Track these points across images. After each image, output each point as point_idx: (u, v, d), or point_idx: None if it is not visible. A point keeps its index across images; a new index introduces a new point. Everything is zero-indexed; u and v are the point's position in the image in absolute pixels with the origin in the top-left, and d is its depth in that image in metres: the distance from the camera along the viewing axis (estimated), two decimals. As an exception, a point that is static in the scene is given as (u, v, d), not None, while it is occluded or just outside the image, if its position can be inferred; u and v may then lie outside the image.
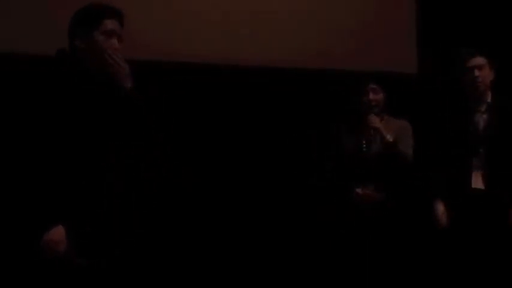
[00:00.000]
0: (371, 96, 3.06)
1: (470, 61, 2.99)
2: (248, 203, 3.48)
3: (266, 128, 3.58)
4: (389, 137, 2.99)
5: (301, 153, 3.58)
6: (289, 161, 3.59)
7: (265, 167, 3.55)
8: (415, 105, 3.67)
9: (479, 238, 2.87)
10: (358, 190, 2.99)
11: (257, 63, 3.54)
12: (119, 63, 2.07)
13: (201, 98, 3.44)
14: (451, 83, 3.22)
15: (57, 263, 1.93)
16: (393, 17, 3.89)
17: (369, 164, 3.00)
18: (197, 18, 3.46)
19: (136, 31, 3.15)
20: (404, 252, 2.99)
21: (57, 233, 1.93)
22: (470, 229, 2.89)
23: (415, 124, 3.24)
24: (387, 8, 3.90)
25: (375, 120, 3.01)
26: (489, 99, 3.03)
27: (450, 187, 2.98)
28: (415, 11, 3.93)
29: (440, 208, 2.99)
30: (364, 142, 3.04)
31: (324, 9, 3.77)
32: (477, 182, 2.95)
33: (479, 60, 2.98)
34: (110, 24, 2.09)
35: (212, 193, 3.41)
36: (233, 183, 3.46)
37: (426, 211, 3.06)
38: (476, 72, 2.96)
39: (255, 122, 3.57)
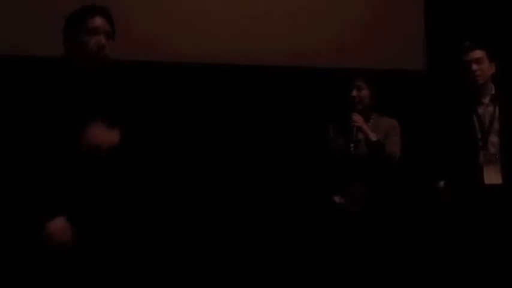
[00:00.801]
0: (354, 93, 3.01)
1: (468, 55, 2.95)
2: (244, 203, 3.46)
3: (273, 126, 3.57)
4: (372, 136, 2.93)
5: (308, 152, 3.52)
6: (293, 161, 3.55)
7: (271, 165, 3.53)
8: (424, 102, 3.59)
9: (488, 235, 2.80)
10: (336, 198, 2.93)
11: (265, 62, 3.53)
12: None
13: (201, 98, 3.47)
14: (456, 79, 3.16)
15: (63, 251, 2.02)
16: (401, 13, 3.83)
17: (357, 164, 2.93)
18: (205, 19, 3.48)
19: (139, 31, 3.26)
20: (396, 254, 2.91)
21: (60, 222, 2.02)
22: (479, 226, 2.81)
23: (425, 121, 3.17)
24: (395, 4, 3.85)
25: (357, 119, 2.95)
26: (493, 91, 2.97)
27: (458, 184, 2.90)
28: (423, 7, 3.88)
29: None
30: (351, 141, 2.97)
31: (332, 7, 3.74)
32: (489, 177, 2.87)
33: (477, 53, 2.94)
34: (92, 22, 2.14)
35: (211, 193, 3.42)
36: (233, 182, 3.45)
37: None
38: (474, 66, 2.92)
39: (263, 120, 3.56)
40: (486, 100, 2.96)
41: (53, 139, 2.04)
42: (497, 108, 2.92)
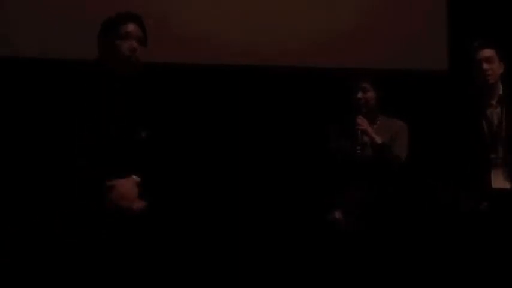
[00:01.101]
0: (359, 94, 2.98)
1: (479, 53, 2.88)
2: (244, 204, 3.46)
3: (275, 127, 3.57)
4: (377, 139, 2.90)
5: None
6: (293, 162, 3.54)
7: (272, 167, 3.52)
8: (446, 103, 3.47)
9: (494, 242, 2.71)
10: (336, 214, 2.90)
11: (276, 62, 3.54)
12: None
13: (202, 99, 3.50)
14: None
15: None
16: (422, 12, 3.76)
17: (362, 166, 2.91)
18: (205, 19, 3.50)
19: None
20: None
21: (128, 183, 2.19)
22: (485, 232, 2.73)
23: (447, 122, 3.09)
24: (415, 2, 3.77)
25: (362, 122, 2.93)
26: (500, 91, 2.90)
27: (469, 188, 2.82)
28: (445, 5, 3.79)
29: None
30: (357, 144, 2.94)
31: (351, 6, 3.70)
32: (497, 180, 2.80)
33: (488, 52, 2.87)
34: (125, 28, 2.28)
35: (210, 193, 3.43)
36: (233, 183, 3.46)
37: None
38: (485, 65, 2.84)
39: (264, 121, 3.56)
40: (494, 101, 2.89)
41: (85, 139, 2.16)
42: (504, 109, 2.85)
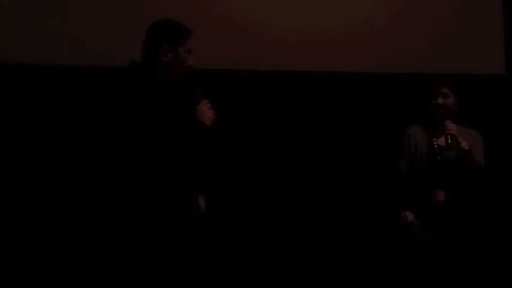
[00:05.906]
0: (440, 100, 2.94)
1: None
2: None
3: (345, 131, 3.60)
4: (464, 145, 2.86)
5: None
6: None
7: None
8: (504, 108, 3.51)
9: None
10: (408, 214, 2.88)
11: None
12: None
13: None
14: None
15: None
16: (477, 15, 3.68)
17: (442, 170, 2.88)
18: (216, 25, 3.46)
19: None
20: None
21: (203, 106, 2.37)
22: None
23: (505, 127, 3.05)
24: (470, 6, 3.69)
25: (452, 127, 2.88)
26: None
27: None
28: (501, 8, 3.70)
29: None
30: (436, 147, 2.92)
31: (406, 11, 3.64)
32: None
33: None
34: (190, 43, 2.35)
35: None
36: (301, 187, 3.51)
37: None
38: None
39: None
40: None
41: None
42: None
